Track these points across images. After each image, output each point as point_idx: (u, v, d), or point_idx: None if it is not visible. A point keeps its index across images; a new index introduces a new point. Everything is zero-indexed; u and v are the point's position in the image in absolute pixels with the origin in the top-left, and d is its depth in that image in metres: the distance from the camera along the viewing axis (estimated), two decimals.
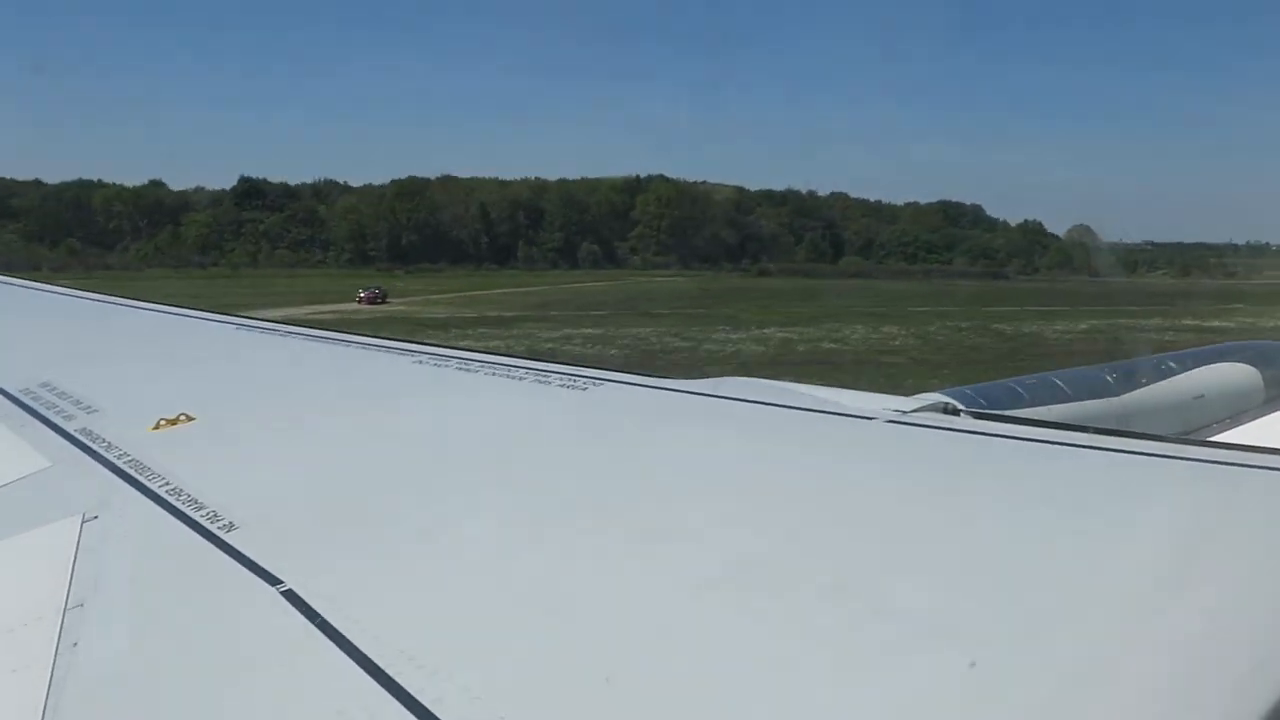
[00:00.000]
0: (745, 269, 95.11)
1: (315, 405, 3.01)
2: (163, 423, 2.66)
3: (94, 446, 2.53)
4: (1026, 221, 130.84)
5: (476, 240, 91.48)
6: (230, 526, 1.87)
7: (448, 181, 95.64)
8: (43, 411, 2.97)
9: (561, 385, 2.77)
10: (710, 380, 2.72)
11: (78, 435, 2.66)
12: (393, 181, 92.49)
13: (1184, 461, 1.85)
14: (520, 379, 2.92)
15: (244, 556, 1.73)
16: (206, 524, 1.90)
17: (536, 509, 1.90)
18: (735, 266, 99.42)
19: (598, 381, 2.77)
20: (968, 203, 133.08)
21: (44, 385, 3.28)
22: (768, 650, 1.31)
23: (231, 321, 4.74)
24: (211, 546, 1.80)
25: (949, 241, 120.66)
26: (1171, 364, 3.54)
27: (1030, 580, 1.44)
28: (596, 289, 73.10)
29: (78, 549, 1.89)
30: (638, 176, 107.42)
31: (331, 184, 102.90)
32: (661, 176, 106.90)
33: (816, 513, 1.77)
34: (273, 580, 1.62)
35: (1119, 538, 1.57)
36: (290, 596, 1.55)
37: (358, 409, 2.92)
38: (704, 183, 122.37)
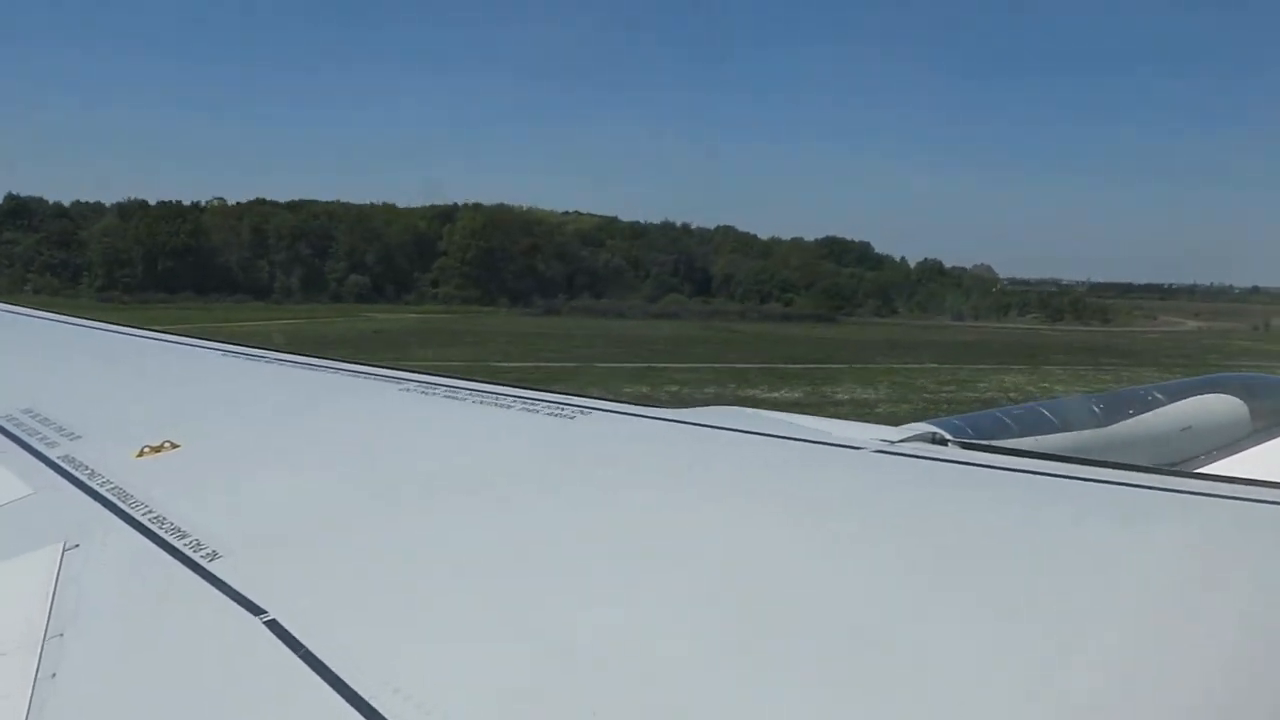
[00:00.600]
0: (532, 307, 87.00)
1: (301, 433, 2.99)
2: (147, 450, 2.64)
3: (76, 474, 2.50)
4: (926, 260, 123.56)
5: (248, 268, 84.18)
6: (214, 555, 1.85)
7: (221, 205, 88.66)
8: (24, 438, 2.92)
9: (549, 414, 2.77)
10: (698, 410, 2.72)
11: (60, 462, 2.62)
12: (159, 203, 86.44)
13: (1171, 493, 1.88)
14: (508, 407, 2.91)
15: (227, 586, 1.71)
16: (190, 553, 1.88)
17: (524, 539, 1.89)
18: (546, 303, 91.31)
19: (586, 410, 2.77)
20: (854, 239, 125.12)
21: (26, 411, 3.23)
22: (757, 681, 1.30)
23: (217, 348, 4.62)
24: (194, 576, 1.78)
25: (811, 279, 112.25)
26: (1158, 395, 3.52)
27: (1018, 610, 1.45)
28: (269, 328, 64.44)
29: (58, 578, 1.86)
30: (454, 204, 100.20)
31: (136, 203, 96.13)
32: (476, 205, 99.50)
33: (804, 543, 1.78)
34: (256, 610, 1.60)
35: (1106, 568, 1.58)
36: (274, 627, 1.54)
37: (344, 437, 2.91)
38: (574, 213, 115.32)
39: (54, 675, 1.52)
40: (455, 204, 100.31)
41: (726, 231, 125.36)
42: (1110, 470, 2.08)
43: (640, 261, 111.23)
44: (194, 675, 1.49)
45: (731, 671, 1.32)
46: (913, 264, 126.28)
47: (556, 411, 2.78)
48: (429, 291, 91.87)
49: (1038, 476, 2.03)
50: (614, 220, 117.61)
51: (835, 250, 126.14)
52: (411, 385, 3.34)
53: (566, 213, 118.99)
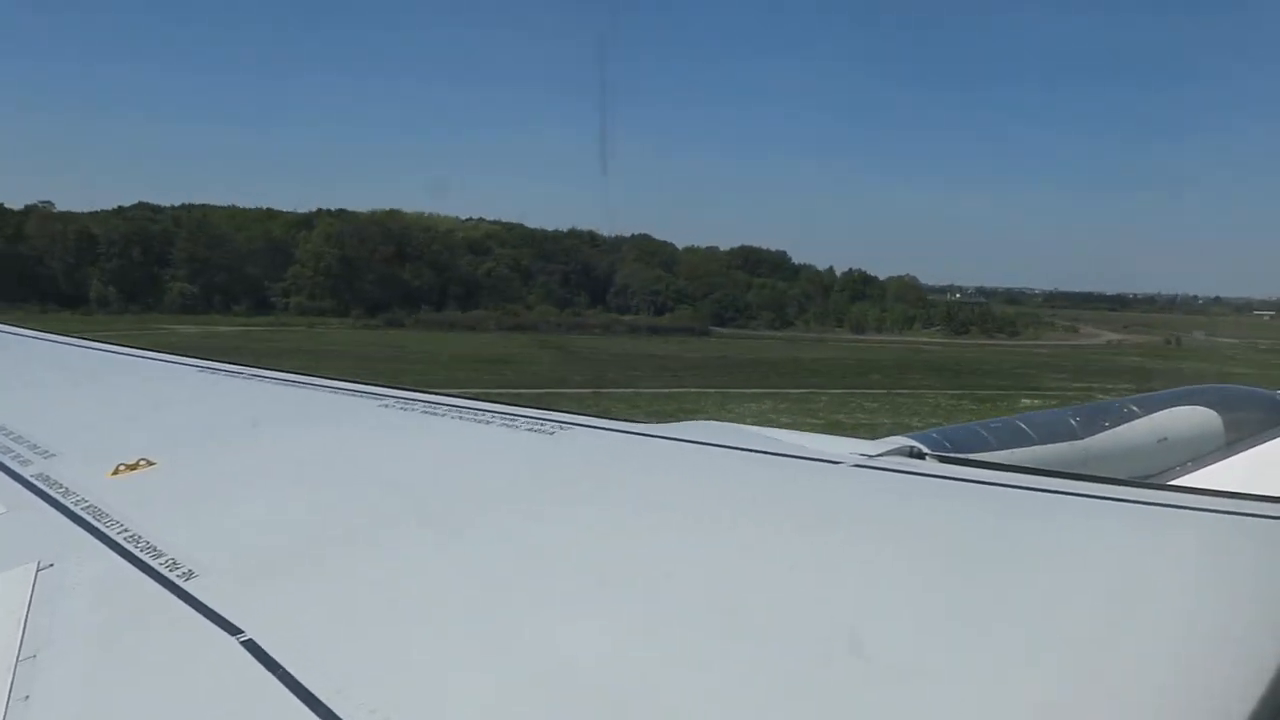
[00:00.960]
0: (381, 318, 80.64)
1: (278, 450, 2.95)
2: (122, 468, 2.61)
3: (51, 492, 2.47)
4: (851, 270, 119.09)
5: (71, 275, 78.17)
6: (190, 574, 1.84)
7: (46, 210, 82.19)
8: None
9: (529, 430, 2.77)
10: (678, 424, 2.73)
11: (34, 480, 2.59)
12: None
13: (1145, 505, 1.92)
14: (487, 423, 2.90)
15: (203, 605, 1.69)
16: (165, 572, 1.86)
17: (503, 556, 1.89)
18: (396, 314, 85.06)
19: (565, 426, 2.76)
20: (770, 248, 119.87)
21: (0, 429, 3.17)
22: (734, 694, 1.30)
23: (193, 364, 4.58)
24: (170, 595, 1.76)
25: (707, 290, 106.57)
26: (1134, 407, 3.51)
27: (993, 621, 1.46)
28: None
29: (32, 598, 1.84)
30: (317, 210, 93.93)
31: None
32: (342, 211, 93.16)
33: (783, 556, 1.79)
34: (233, 630, 1.58)
35: (1082, 581, 1.60)
36: (250, 646, 1.52)
37: (322, 453, 2.88)
38: (475, 219, 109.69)
39: (27, 697, 1.48)
40: (318, 209, 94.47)
41: (640, 240, 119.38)
42: (1086, 484, 2.09)
43: (529, 271, 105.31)
44: (170, 696, 1.47)
45: (714, 685, 1.32)
46: (839, 273, 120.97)
47: (536, 427, 2.77)
48: (281, 301, 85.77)
49: (1014, 490, 2.06)
50: (516, 227, 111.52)
51: (750, 260, 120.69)
52: (390, 401, 3.29)
53: (468, 219, 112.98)
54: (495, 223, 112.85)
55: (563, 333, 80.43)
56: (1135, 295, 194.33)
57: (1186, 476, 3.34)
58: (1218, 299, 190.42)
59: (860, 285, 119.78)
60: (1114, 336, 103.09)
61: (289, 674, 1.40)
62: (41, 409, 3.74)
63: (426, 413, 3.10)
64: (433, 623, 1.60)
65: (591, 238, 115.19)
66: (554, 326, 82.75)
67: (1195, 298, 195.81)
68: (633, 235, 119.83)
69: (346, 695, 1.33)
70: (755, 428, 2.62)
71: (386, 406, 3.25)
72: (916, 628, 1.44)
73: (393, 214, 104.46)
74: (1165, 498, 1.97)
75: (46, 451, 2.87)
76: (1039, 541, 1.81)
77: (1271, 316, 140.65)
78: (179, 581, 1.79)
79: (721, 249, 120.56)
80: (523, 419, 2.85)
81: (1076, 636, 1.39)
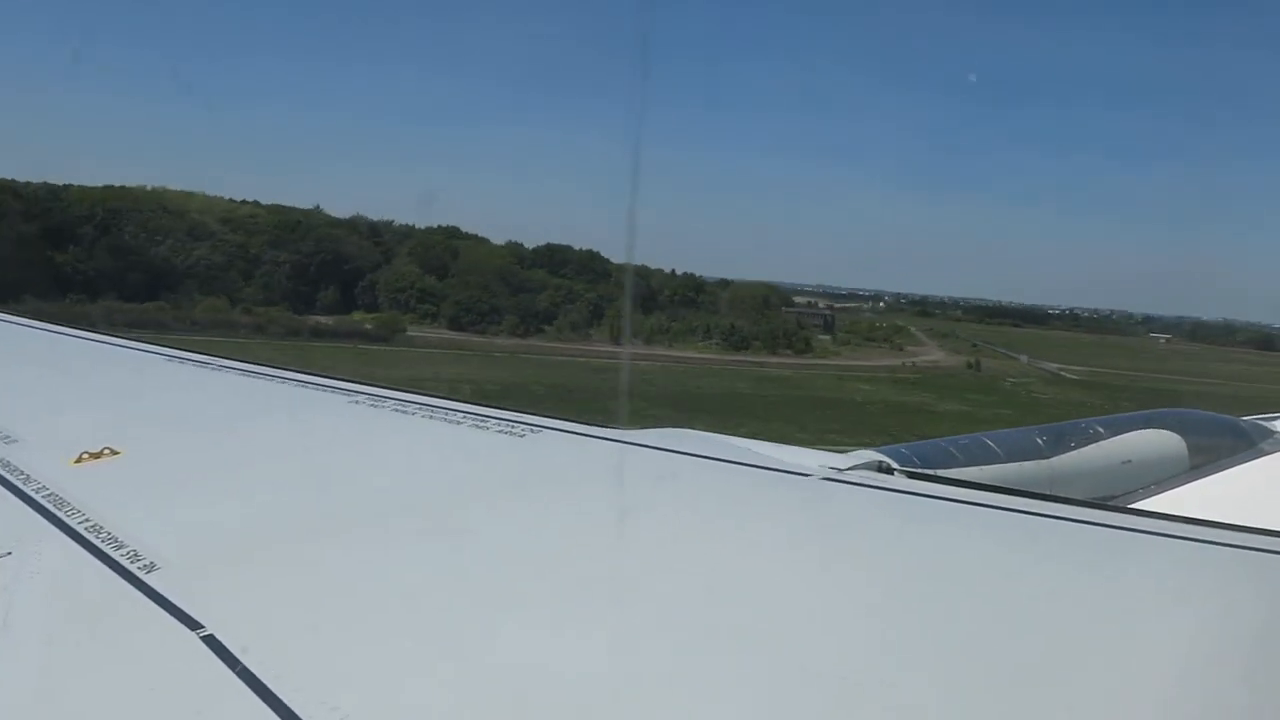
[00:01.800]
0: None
1: (246, 443, 2.94)
2: (85, 456, 2.57)
3: (10, 479, 2.43)
4: (686, 274, 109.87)
5: None
6: (151, 567, 1.81)
7: None
8: None
9: (499, 431, 2.76)
10: (649, 431, 2.72)
11: None
12: None
13: (1105, 528, 1.95)
14: (458, 423, 2.89)
15: (163, 599, 1.67)
16: (126, 563, 1.84)
17: (470, 557, 1.89)
18: (49, 303, 70.82)
19: (536, 429, 2.76)
20: (578, 247, 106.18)
21: None
22: (695, 702, 1.31)
23: (162, 353, 4.51)
24: (130, 587, 1.74)
25: (458, 289, 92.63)
26: (1100, 429, 3.53)
27: (955, 636, 1.48)
28: None
29: None
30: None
31: None
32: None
33: (748, 566, 1.80)
34: (193, 625, 1.56)
35: (1041, 600, 1.62)
36: (210, 642, 1.50)
37: (289, 448, 2.87)
38: (250, 201, 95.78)
39: None
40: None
41: (443, 232, 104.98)
42: (1051, 504, 2.13)
43: (259, 260, 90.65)
44: (128, 690, 1.45)
45: (677, 692, 1.32)
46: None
47: (507, 429, 2.76)
48: None
49: (978, 508, 2.09)
50: (289, 210, 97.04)
51: (555, 259, 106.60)
52: (361, 398, 3.29)
53: (243, 201, 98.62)
54: (267, 206, 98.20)
55: (198, 331, 65.68)
56: (1058, 310, 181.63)
57: (1149, 500, 3.31)
58: (1149, 318, 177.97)
59: (692, 291, 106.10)
60: (938, 356, 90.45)
61: (248, 670, 1.38)
62: (3, 394, 3.64)
63: (397, 410, 3.08)
64: (396, 622, 1.59)
65: (372, 229, 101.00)
66: (190, 324, 67.90)
67: (1131, 316, 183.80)
68: (441, 226, 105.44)
69: (307, 693, 1.32)
70: (727, 437, 2.62)
71: (356, 403, 3.22)
72: (878, 640, 1.46)
73: (113, 189, 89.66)
74: (1128, 521, 2.02)
75: (8, 437, 2.80)
76: (1002, 559, 1.84)
77: (1167, 340, 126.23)
78: (140, 574, 1.77)
79: (527, 246, 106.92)
80: (494, 420, 2.84)
81: (1037, 655, 1.40)
